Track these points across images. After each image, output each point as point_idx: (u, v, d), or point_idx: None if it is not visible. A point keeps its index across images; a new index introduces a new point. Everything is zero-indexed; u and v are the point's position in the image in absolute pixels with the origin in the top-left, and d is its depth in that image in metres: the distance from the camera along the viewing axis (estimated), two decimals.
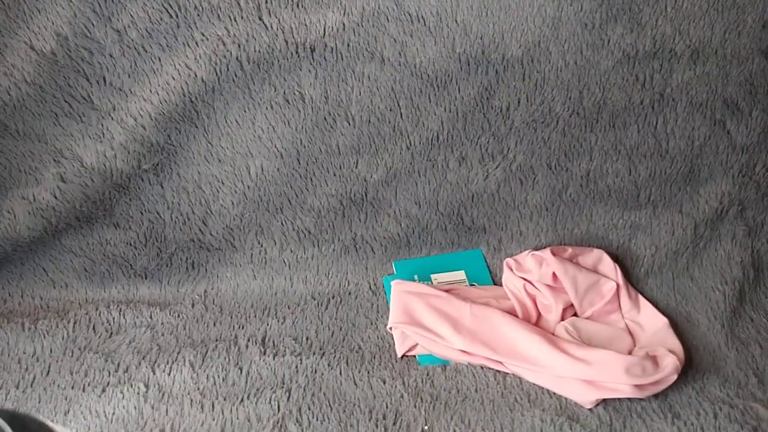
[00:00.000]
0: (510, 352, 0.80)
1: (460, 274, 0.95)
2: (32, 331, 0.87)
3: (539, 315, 0.89)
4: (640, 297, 0.90)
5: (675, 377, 0.76)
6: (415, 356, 0.84)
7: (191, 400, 0.77)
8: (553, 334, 0.84)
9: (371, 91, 0.86)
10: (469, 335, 0.82)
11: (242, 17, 0.81)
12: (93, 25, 0.80)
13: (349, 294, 0.95)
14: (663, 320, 0.86)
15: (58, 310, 0.92)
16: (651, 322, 0.87)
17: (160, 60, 0.83)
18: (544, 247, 0.94)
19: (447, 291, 0.88)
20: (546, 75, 0.85)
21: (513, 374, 0.81)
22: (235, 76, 0.84)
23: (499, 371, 0.81)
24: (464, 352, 0.81)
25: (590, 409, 0.76)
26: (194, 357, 0.83)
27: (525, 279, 0.90)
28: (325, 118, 0.88)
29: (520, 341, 0.81)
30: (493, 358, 0.80)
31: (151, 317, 0.90)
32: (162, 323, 0.90)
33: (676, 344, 0.82)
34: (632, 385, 0.74)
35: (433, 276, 0.95)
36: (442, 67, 0.84)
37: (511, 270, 0.92)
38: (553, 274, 0.88)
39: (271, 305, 0.93)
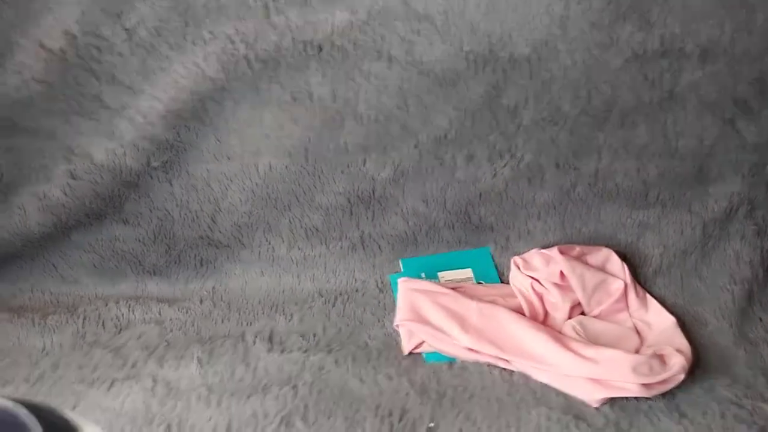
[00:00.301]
0: (517, 351, 0.80)
1: (467, 272, 0.95)
2: (42, 326, 0.88)
3: (546, 313, 0.89)
4: (648, 296, 0.90)
5: (682, 377, 0.75)
6: (421, 354, 0.84)
7: (198, 396, 0.77)
8: (560, 333, 0.84)
9: (379, 90, 0.86)
10: (476, 333, 0.82)
11: (250, 16, 0.81)
12: (102, 23, 0.81)
13: (357, 291, 0.95)
14: (671, 319, 0.86)
15: (67, 305, 0.93)
16: (659, 321, 0.87)
17: (169, 58, 0.83)
18: (552, 246, 0.93)
19: (454, 289, 0.88)
20: (554, 74, 0.85)
21: (520, 372, 0.81)
22: (244, 74, 0.84)
23: (505, 369, 0.81)
24: (471, 350, 0.81)
25: (597, 408, 0.75)
26: (202, 353, 0.83)
27: (532, 277, 0.90)
28: (333, 117, 0.88)
29: (527, 339, 0.81)
30: (500, 356, 0.80)
31: (159, 313, 0.91)
32: (170, 319, 0.90)
33: (683, 343, 0.82)
34: (639, 384, 0.74)
35: (440, 274, 0.95)
36: (449, 66, 0.84)
37: (519, 268, 0.92)
38: (561, 272, 0.88)
39: (279, 302, 0.94)
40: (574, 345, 0.79)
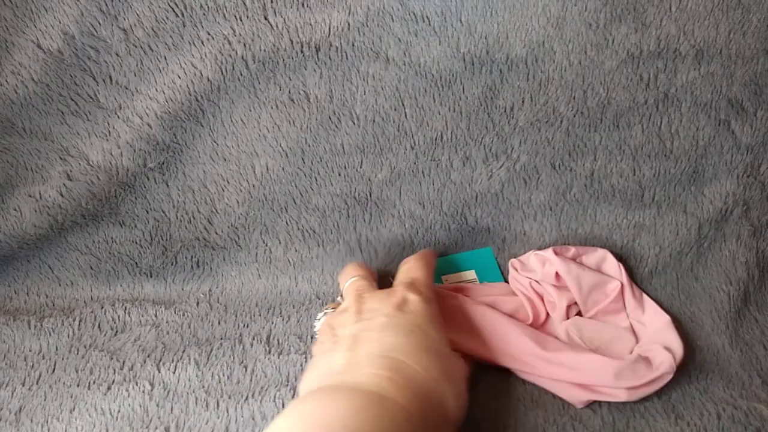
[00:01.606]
0: (503, 353, 0.80)
1: (471, 274, 0.95)
2: (38, 329, 0.87)
3: (547, 313, 0.88)
4: (645, 296, 0.90)
5: (671, 376, 0.75)
6: None
7: (196, 399, 0.77)
8: (552, 336, 0.83)
9: (376, 91, 0.86)
10: (466, 335, 0.82)
11: (248, 17, 0.81)
12: (99, 23, 0.81)
13: None
14: (665, 318, 0.86)
15: (63, 308, 0.92)
16: (654, 321, 0.87)
17: (166, 59, 0.83)
18: (548, 247, 0.94)
19: (455, 290, 0.88)
20: (550, 75, 0.85)
21: (515, 374, 0.80)
22: (241, 75, 0.84)
23: (502, 371, 0.81)
24: (459, 350, 0.81)
25: (593, 410, 0.75)
26: (199, 355, 0.83)
27: (530, 278, 0.90)
28: (329, 118, 0.88)
29: (512, 343, 0.80)
30: (488, 357, 0.80)
31: (156, 316, 0.90)
32: (167, 322, 0.90)
33: (674, 341, 0.81)
34: (625, 388, 0.73)
35: (443, 277, 0.95)
36: (446, 67, 0.85)
37: (516, 270, 0.92)
38: (556, 273, 0.88)
39: (276, 304, 0.93)
40: (557, 354, 0.78)
